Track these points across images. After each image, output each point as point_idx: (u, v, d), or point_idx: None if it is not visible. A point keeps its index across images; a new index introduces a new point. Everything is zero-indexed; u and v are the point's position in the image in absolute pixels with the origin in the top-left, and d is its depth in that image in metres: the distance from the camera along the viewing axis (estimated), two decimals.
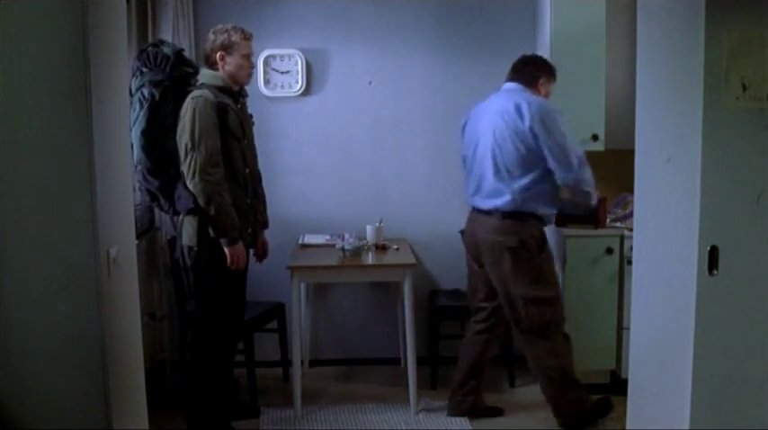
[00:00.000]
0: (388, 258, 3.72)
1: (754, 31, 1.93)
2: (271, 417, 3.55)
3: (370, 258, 3.71)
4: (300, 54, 4.12)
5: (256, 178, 3.35)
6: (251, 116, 3.37)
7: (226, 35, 3.17)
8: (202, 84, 3.12)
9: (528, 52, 4.14)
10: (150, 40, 3.76)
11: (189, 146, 2.99)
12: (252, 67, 3.30)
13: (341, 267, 3.61)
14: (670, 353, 2.15)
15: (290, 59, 4.14)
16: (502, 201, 3.17)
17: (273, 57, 4.12)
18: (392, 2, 4.16)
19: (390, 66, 4.20)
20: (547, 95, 3.32)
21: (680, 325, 2.06)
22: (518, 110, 3.13)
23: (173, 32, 3.81)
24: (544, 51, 3.92)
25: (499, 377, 3.98)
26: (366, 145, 4.23)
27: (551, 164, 3.13)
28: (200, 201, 3.01)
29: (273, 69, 4.13)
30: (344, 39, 4.18)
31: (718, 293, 1.98)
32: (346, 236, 3.79)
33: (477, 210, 3.32)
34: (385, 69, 4.20)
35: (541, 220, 3.23)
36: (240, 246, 3.10)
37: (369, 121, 4.23)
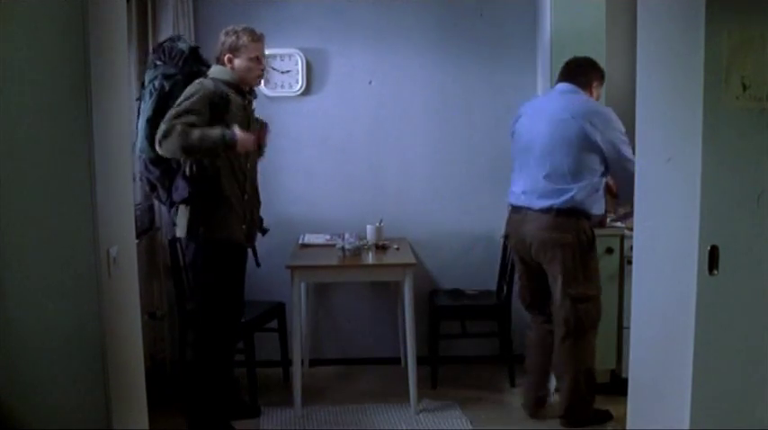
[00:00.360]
0: (389, 258, 3.72)
1: (754, 31, 1.92)
2: (271, 417, 3.55)
3: (370, 258, 3.71)
4: (300, 54, 4.12)
5: (254, 177, 3.33)
6: (258, 119, 3.33)
7: (234, 37, 3.14)
8: (211, 78, 3.12)
9: (528, 54, 4.17)
10: (150, 40, 3.77)
11: (168, 114, 2.93)
12: (263, 68, 3.26)
13: (341, 267, 3.62)
14: (670, 353, 2.15)
15: (290, 59, 4.14)
16: (560, 200, 3.17)
17: (274, 56, 4.11)
18: (392, 2, 4.16)
19: (390, 66, 4.20)
20: (597, 98, 3.37)
21: (680, 325, 2.05)
22: (583, 115, 3.15)
23: (173, 32, 3.80)
24: (544, 52, 3.92)
25: (499, 377, 3.98)
26: (366, 145, 4.23)
27: (613, 169, 3.21)
28: (178, 155, 2.94)
29: (273, 69, 4.13)
30: (344, 39, 4.18)
31: (719, 293, 1.98)
32: (346, 236, 3.79)
33: (526, 209, 3.29)
34: (385, 69, 4.20)
35: (590, 219, 3.25)
36: (241, 136, 2.97)
37: (369, 121, 4.23)
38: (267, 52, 4.05)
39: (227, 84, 3.11)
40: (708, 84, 1.93)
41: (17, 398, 1.92)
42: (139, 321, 2.39)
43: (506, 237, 3.54)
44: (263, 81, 3.33)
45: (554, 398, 3.53)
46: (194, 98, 2.96)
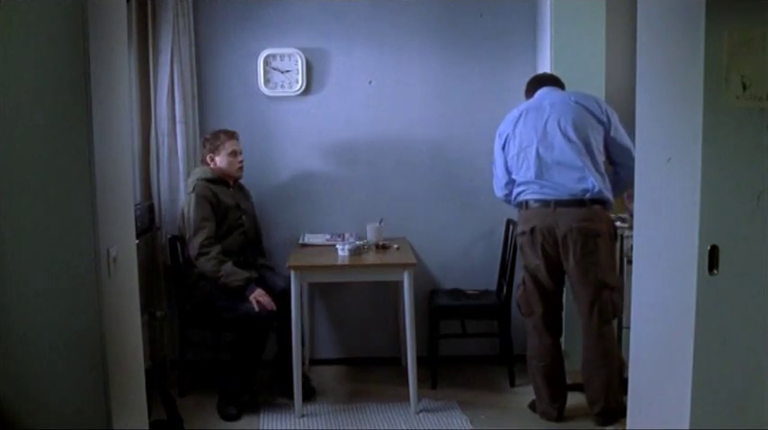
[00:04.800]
0: (389, 258, 3.72)
1: (754, 31, 1.92)
2: (271, 417, 3.54)
3: (370, 258, 3.71)
4: (300, 53, 4.12)
5: None
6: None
7: (213, 139, 3.70)
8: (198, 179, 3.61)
9: (528, 53, 4.18)
10: (150, 40, 3.77)
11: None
12: (241, 161, 3.77)
13: (341, 267, 3.61)
14: (670, 353, 2.15)
15: (290, 59, 4.14)
16: (589, 189, 3.19)
17: (273, 56, 4.12)
18: (392, 2, 4.16)
19: (390, 66, 4.20)
20: None
21: (680, 325, 2.05)
22: (583, 98, 3.27)
23: (173, 32, 3.81)
24: (544, 52, 3.92)
25: (499, 377, 3.98)
26: (366, 145, 4.23)
27: (619, 158, 3.30)
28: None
29: (274, 69, 4.13)
30: (344, 38, 4.18)
31: (718, 293, 1.98)
32: (346, 235, 3.79)
33: (555, 202, 3.23)
34: (385, 69, 4.20)
35: (609, 207, 3.29)
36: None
37: (369, 121, 4.23)
38: (267, 52, 4.09)
39: (212, 181, 3.61)
40: (708, 83, 1.92)
41: (17, 398, 1.92)
42: (139, 321, 2.39)
43: (530, 231, 3.30)
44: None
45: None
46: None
